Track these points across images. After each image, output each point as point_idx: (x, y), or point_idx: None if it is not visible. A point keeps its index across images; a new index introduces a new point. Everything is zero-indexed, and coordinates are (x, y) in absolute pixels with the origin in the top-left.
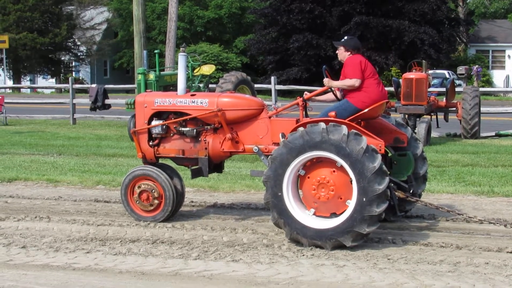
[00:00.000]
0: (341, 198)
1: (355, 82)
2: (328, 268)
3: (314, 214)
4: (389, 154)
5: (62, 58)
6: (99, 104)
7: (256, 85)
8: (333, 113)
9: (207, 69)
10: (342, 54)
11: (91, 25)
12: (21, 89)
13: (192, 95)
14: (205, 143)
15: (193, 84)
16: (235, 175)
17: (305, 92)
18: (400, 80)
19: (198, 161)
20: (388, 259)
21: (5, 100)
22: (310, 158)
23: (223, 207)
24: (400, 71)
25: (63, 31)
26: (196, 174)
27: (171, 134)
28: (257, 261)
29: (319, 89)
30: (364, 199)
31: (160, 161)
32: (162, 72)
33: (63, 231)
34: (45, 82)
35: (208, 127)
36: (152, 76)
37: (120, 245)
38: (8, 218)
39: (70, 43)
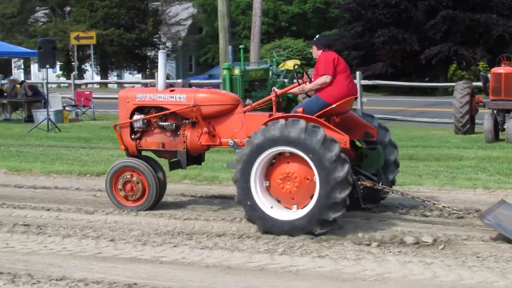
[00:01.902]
0: (307, 189)
1: (326, 78)
2: (416, 265)
3: (285, 207)
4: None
5: (148, 54)
6: None
7: None
8: (300, 109)
9: (292, 64)
10: (315, 52)
11: (176, 21)
12: (109, 84)
13: (171, 90)
14: (184, 136)
15: (278, 79)
16: None
17: (273, 88)
18: (489, 75)
19: (177, 154)
20: (477, 257)
21: (93, 95)
22: (274, 154)
23: None
24: (488, 66)
25: (149, 27)
26: (174, 166)
27: (152, 128)
28: (343, 257)
29: (291, 86)
30: (327, 187)
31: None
32: (247, 67)
33: (151, 225)
34: (132, 77)
35: (186, 121)
36: (237, 71)
37: (206, 239)
38: (96, 212)
39: (155, 39)
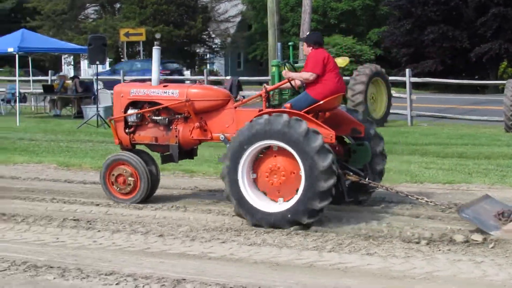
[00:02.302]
0: (293, 183)
1: (310, 76)
2: (465, 264)
3: (273, 201)
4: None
5: (197, 51)
6: (234, 96)
7: (390, 78)
8: (288, 105)
9: (341, 61)
10: (305, 49)
11: (225, 18)
12: None
13: (164, 86)
14: (176, 131)
15: None
16: None
17: (264, 84)
18: None
19: (169, 148)
20: None
21: None
22: (260, 148)
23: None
24: None
25: (198, 24)
26: (166, 160)
27: (146, 123)
28: (392, 255)
29: (280, 82)
30: (312, 177)
31: (137, 147)
32: (296, 64)
33: (199, 221)
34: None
35: (179, 116)
36: (286, 68)
37: (255, 236)
38: (145, 207)
39: (205, 36)
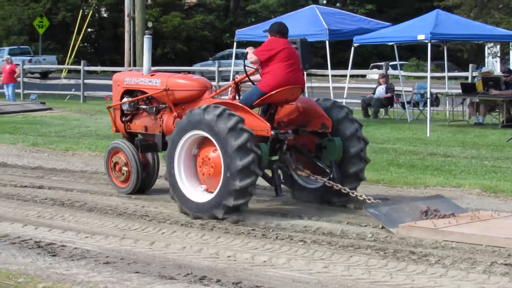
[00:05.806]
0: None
1: (251, 58)
2: None
3: (205, 190)
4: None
5: None
6: None
7: None
8: (231, 96)
9: None
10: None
11: None
12: None
13: (152, 75)
14: (161, 120)
15: None
16: None
17: (235, 75)
18: None
19: (155, 137)
20: None
21: None
22: (194, 137)
23: None
24: None
25: None
26: (145, 148)
27: (140, 112)
28: None
29: (243, 75)
30: (228, 174)
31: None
32: None
33: None
34: None
35: (164, 105)
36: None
37: None
38: None
39: None
